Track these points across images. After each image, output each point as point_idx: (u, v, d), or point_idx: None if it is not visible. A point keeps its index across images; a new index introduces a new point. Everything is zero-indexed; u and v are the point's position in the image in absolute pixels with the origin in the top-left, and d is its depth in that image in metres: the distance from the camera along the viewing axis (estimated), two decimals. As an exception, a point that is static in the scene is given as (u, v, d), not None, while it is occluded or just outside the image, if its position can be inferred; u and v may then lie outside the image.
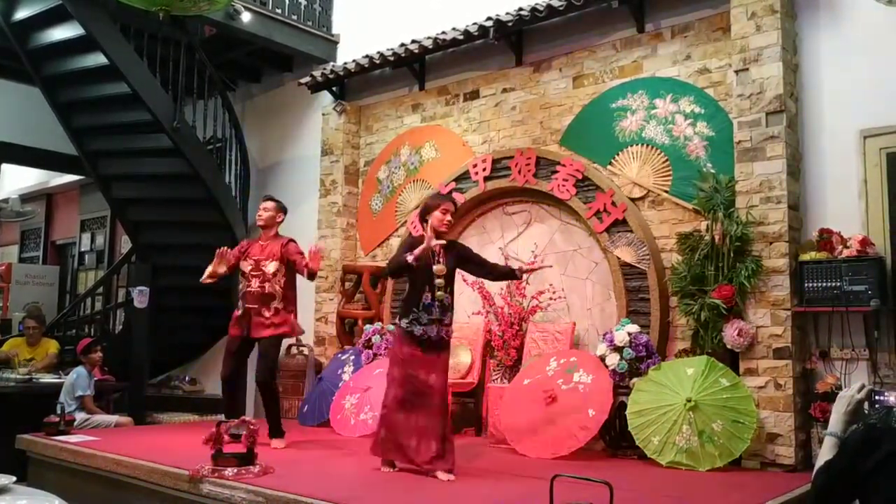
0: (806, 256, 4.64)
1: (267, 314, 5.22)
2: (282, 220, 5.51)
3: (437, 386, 4.34)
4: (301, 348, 7.17)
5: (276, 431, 5.24)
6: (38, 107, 7.86)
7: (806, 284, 4.59)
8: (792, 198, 4.75)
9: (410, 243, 4.50)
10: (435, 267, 4.36)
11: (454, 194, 6.37)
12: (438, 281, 4.36)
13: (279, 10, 7.41)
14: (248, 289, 5.27)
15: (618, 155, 5.65)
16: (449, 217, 4.48)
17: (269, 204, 5.50)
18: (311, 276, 5.24)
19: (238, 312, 5.33)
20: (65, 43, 6.91)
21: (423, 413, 4.29)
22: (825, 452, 2.32)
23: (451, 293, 4.46)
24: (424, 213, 4.56)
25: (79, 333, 8.66)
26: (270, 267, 5.27)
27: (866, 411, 2.38)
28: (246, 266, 5.33)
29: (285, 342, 6.38)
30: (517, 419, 5.15)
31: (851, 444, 2.22)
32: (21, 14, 6.88)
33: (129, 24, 6.61)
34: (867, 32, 4.73)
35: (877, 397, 2.44)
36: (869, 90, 4.70)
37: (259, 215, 5.48)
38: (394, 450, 4.35)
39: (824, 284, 4.54)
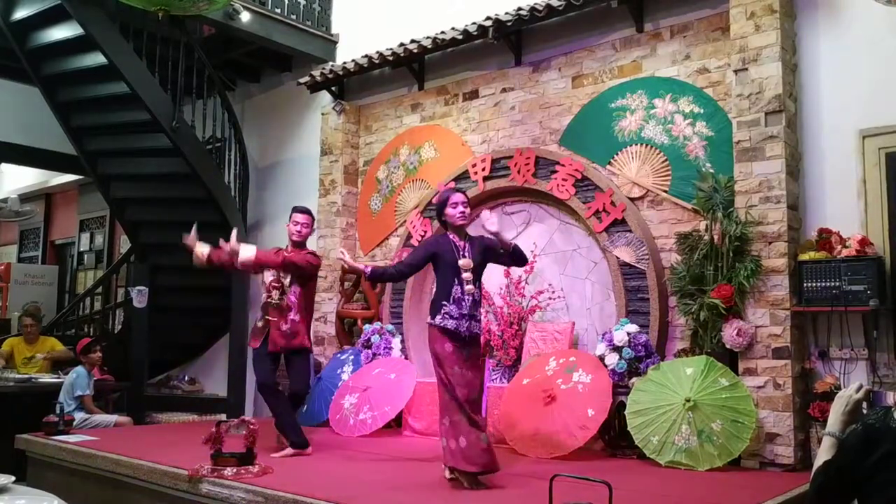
0: (805, 256, 4.64)
1: (283, 326, 5.06)
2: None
3: (478, 385, 4.27)
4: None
5: (301, 442, 5.02)
6: (38, 106, 7.86)
7: (805, 284, 4.59)
8: (791, 198, 4.75)
9: (429, 243, 4.52)
10: (461, 261, 4.26)
11: (449, 184, 6.37)
12: (466, 275, 4.25)
13: (278, 10, 7.41)
14: (269, 300, 5.10)
15: (617, 155, 5.65)
16: (461, 209, 4.34)
17: (307, 218, 5.19)
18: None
19: (259, 324, 5.18)
20: (64, 43, 6.92)
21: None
22: (824, 452, 2.32)
23: (480, 288, 4.39)
24: (438, 215, 4.49)
25: (78, 333, 8.67)
26: (287, 279, 5.12)
27: (864, 411, 2.37)
28: (268, 276, 5.13)
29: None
30: (516, 419, 5.16)
31: (850, 443, 2.22)
32: (20, 14, 6.89)
33: (128, 24, 6.61)
34: (866, 32, 4.73)
35: (875, 397, 2.44)
36: (868, 90, 4.71)
37: (297, 231, 5.15)
38: (488, 453, 4.05)
39: (823, 284, 4.53)
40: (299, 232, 5.17)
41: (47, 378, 7.06)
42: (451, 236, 4.39)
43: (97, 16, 6.41)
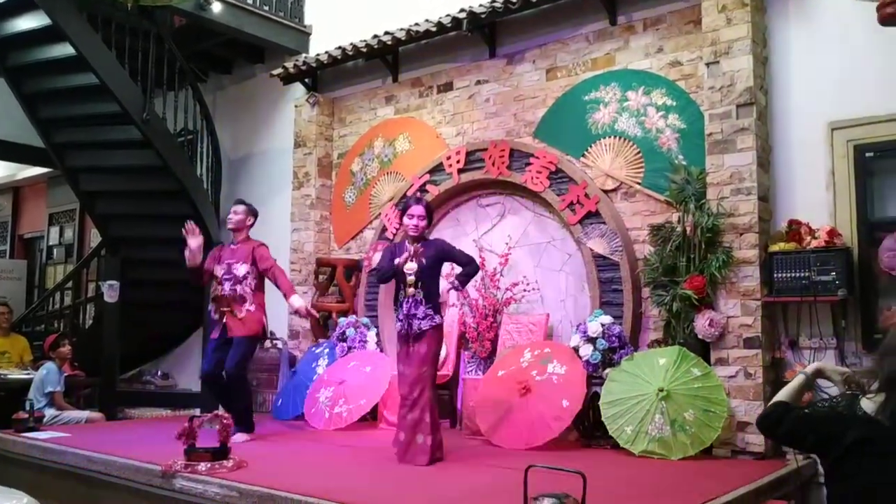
0: (775, 247, 4.70)
1: (240, 315, 5.29)
2: (252, 224, 5.54)
3: (411, 376, 4.44)
4: (275, 342, 7.13)
5: (241, 425, 5.17)
6: (4, 98, 7.71)
7: (775, 275, 4.65)
8: (762, 189, 4.81)
9: (391, 250, 4.72)
10: (407, 265, 4.53)
11: (428, 186, 6.38)
12: (410, 278, 4.51)
13: (250, 1, 7.33)
14: (221, 292, 5.35)
15: (591, 147, 5.67)
16: (416, 221, 4.59)
17: (240, 207, 5.51)
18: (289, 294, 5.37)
19: (214, 316, 5.42)
20: (30, 33, 6.78)
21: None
22: (792, 386, 2.47)
23: (426, 287, 4.52)
24: (399, 220, 4.75)
25: (48, 329, 8.56)
26: (241, 270, 5.34)
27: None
28: (219, 270, 5.39)
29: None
30: (492, 410, 5.17)
31: (822, 417, 2.30)
32: (-15, 3, 6.75)
33: (96, 14, 6.51)
34: (836, 26, 4.79)
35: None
36: (837, 83, 4.77)
37: (229, 218, 5.52)
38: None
39: (793, 275, 4.60)
40: (230, 219, 5.49)
41: (17, 374, 6.95)
42: (406, 242, 4.69)
43: (65, 5, 6.31)
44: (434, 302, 4.54)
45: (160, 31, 6.98)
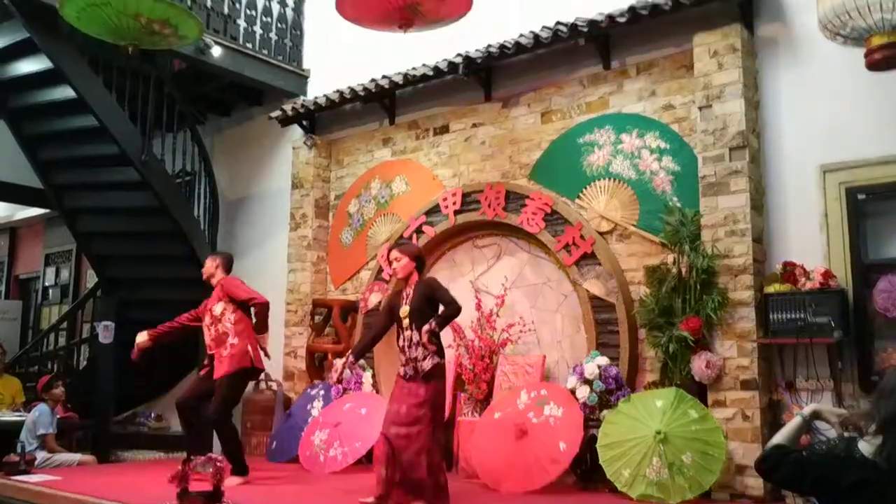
0: (770, 289, 4.72)
1: (225, 352, 5.32)
2: (225, 269, 5.62)
3: (405, 417, 4.37)
4: (270, 383, 7.08)
5: (234, 469, 5.07)
6: (3, 139, 7.76)
7: (771, 316, 4.66)
8: (756, 231, 4.84)
9: (389, 301, 4.80)
10: (401, 309, 4.56)
11: (425, 227, 6.41)
12: (404, 322, 4.52)
13: (249, 45, 7.44)
14: (208, 338, 5.45)
15: (586, 189, 5.72)
16: (395, 265, 4.63)
17: (207, 259, 5.74)
18: (257, 308, 5.43)
19: (206, 362, 5.51)
20: (32, 76, 6.85)
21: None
22: (790, 428, 2.42)
23: (418, 328, 4.45)
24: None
25: (41, 370, 8.49)
26: (217, 308, 5.43)
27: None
28: (206, 320, 5.50)
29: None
30: (488, 453, 5.13)
31: (820, 461, 2.28)
32: (-13, 47, 6.83)
33: (97, 58, 6.59)
34: (825, 71, 4.87)
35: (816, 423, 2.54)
36: (827, 126, 4.84)
37: (202, 271, 5.65)
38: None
39: (789, 316, 4.61)
40: (202, 272, 5.64)
41: (9, 416, 6.88)
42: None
43: (66, 49, 6.38)
44: (434, 341, 4.49)
45: (160, 74, 7.07)
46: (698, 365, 4.77)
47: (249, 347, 5.35)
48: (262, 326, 5.44)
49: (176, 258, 7.36)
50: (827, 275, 4.57)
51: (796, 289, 4.63)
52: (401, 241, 6.10)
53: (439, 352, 4.46)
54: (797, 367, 4.74)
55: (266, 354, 5.53)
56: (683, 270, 4.92)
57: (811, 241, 4.79)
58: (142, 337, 5.66)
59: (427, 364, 4.40)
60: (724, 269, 4.82)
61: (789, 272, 4.70)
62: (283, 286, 7.33)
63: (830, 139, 4.81)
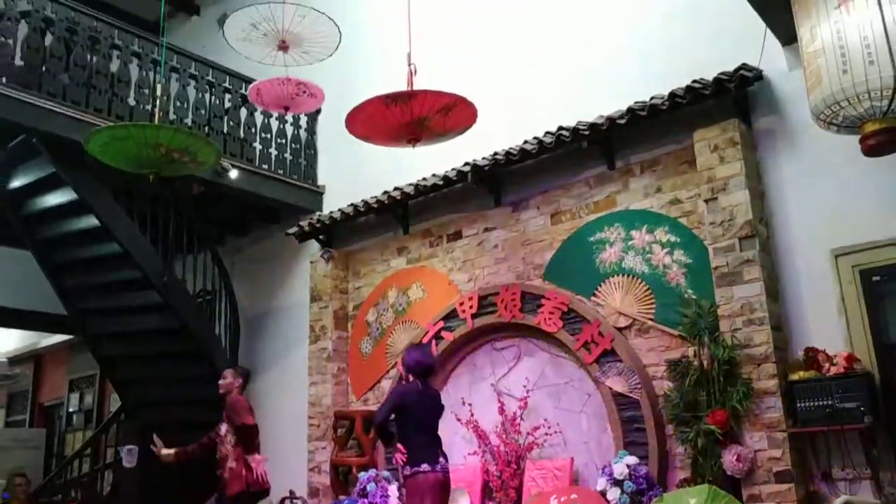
0: (795, 376, 4.66)
1: (225, 474, 5.31)
2: (240, 384, 5.59)
3: None
4: (295, 501, 6.95)
5: None
6: (28, 269, 7.96)
7: (798, 404, 4.58)
8: (774, 319, 4.83)
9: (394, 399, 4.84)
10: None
11: (443, 333, 6.42)
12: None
13: (265, 166, 7.71)
14: (219, 455, 5.44)
15: (600, 286, 5.76)
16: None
17: (227, 372, 5.65)
18: (240, 430, 5.32)
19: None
20: (58, 207, 7.10)
21: None
22: None
23: (399, 438, 4.66)
24: None
25: (65, 498, 8.39)
26: (222, 428, 5.43)
27: None
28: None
29: (276, 496, 6.21)
30: (521, 564, 4.97)
31: None
32: (17, 183, 7.10)
33: (119, 187, 6.83)
34: (824, 158, 4.96)
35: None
36: (834, 211, 4.89)
37: (219, 384, 5.57)
38: None
39: (816, 403, 4.53)
40: (219, 385, 5.54)
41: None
42: None
43: (90, 181, 6.63)
44: (409, 451, 4.57)
45: (180, 198, 7.30)
46: (729, 459, 4.66)
47: (244, 470, 5.27)
48: (248, 448, 5.35)
49: (198, 378, 7.37)
50: (850, 359, 4.52)
51: (821, 375, 4.57)
52: (410, 345, 6.09)
53: (413, 460, 4.61)
54: (831, 455, 4.62)
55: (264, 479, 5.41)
56: (705, 362, 4.88)
57: (831, 326, 4.77)
58: (167, 452, 5.61)
59: (403, 475, 4.65)
60: (745, 359, 4.78)
61: (812, 358, 4.65)
62: (304, 400, 7.31)
63: (839, 223, 4.85)
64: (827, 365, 4.58)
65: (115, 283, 7.44)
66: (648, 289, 5.51)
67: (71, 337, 10.83)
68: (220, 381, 5.58)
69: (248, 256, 8.84)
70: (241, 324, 8.24)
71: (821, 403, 4.50)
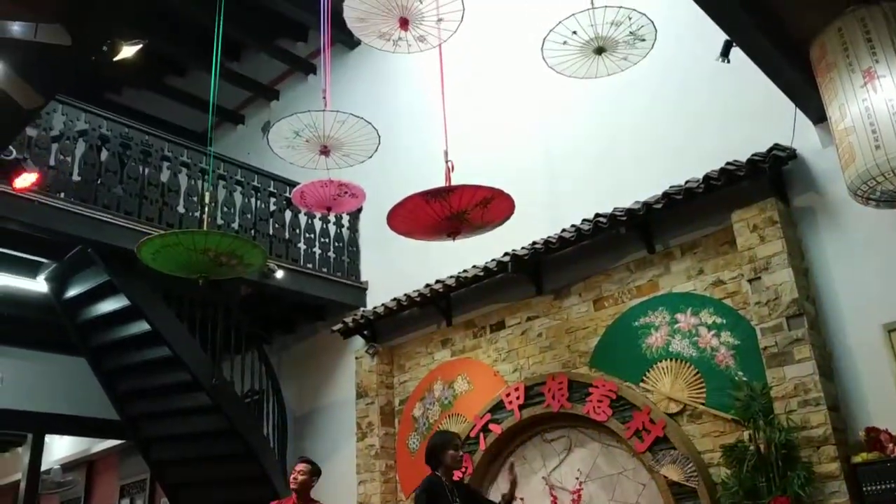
0: (858, 458, 4.49)
1: None
2: (315, 484, 5.36)
3: None
4: None
5: None
6: (81, 376, 8.16)
7: (864, 488, 4.40)
8: (830, 399, 4.69)
9: (429, 489, 4.46)
10: None
11: (491, 425, 6.34)
12: None
13: (310, 265, 7.89)
14: None
15: (648, 371, 5.67)
16: (461, 452, 4.64)
17: (305, 467, 5.26)
18: None
19: None
20: (111, 314, 7.31)
21: None
22: None
23: None
24: (437, 451, 4.54)
25: None
26: None
27: None
28: None
29: None
30: None
31: None
32: (72, 292, 7.38)
33: (170, 291, 7.04)
34: (867, 232, 4.93)
35: None
36: (883, 284, 4.81)
37: (293, 478, 5.24)
38: None
39: (884, 486, 4.34)
40: (294, 479, 5.20)
41: None
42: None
43: (142, 287, 6.85)
44: None
45: (228, 301, 7.47)
46: (796, 548, 4.46)
47: None
48: None
49: (248, 479, 7.37)
50: (915, 438, 4.36)
51: (885, 456, 4.39)
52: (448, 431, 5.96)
53: None
54: (904, 541, 4.39)
55: None
56: (762, 447, 4.72)
57: (890, 403, 4.61)
58: None
59: None
60: (803, 442, 4.63)
61: (874, 438, 4.49)
62: (353, 499, 7.20)
63: (888, 296, 4.76)
64: (890, 445, 4.41)
65: (166, 387, 7.57)
66: (698, 372, 5.42)
67: (122, 441, 10.92)
68: (297, 476, 5.19)
69: (294, 354, 8.93)
70: (289, 422, 8.25)
71: (889, 486, 4.32)
